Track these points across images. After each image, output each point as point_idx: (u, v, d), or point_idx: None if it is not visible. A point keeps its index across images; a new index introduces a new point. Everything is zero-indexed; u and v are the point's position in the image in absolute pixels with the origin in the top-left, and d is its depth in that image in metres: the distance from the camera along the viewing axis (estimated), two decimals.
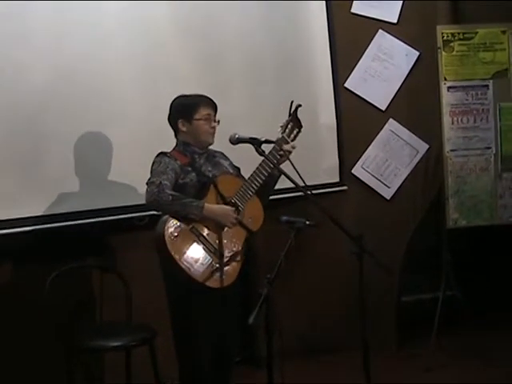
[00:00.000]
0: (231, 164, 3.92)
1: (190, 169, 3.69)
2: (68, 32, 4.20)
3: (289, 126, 3.85)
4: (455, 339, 5.16)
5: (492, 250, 5.60)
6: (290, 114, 3.86)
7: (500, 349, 4.94)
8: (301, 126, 3.89)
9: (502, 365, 4.67)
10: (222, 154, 3.92)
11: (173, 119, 3.81)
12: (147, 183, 3.60)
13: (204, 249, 3.57)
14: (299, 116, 3.89)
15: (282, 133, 3.81)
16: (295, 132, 3.88)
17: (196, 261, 3.53)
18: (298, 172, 3.54)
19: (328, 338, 5.15)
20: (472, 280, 5.54)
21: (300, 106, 3.87)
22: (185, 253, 3.52)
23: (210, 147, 3.85)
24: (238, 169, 3.93)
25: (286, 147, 3.75)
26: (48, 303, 3.88)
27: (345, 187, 5.29)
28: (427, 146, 5.38)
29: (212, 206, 3.60)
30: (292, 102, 3.87)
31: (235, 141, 3.63)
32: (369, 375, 3.26)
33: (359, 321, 3.29)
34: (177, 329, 3.71)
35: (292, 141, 3.85)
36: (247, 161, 3.78)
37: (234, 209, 3.63)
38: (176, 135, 3.83)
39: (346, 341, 4.93)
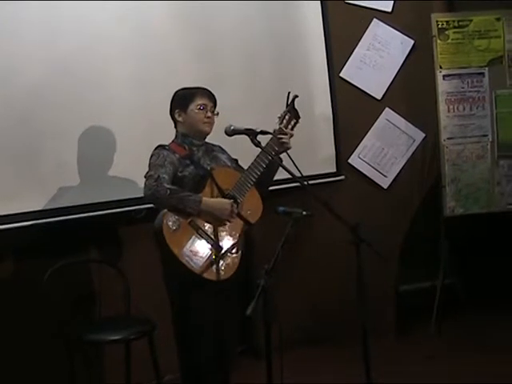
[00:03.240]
0: (229, 157, 3.91)
1: (188, 162, 3.69)
2: (63, 25, 4.17)
3: (286, 117, 3.85)
4: (454, 326, 5.18)
5: (490, 237, 5.60)
6: (287, 105, 3.86)
7: (499, 335, 4.96)
8: (298, 117, 3.89)
9: (502, 351, 4.69)
10: (220, 147, 3.92)
11: (171, 110, 3.82)
12: (145, 177, 3.60)
13: (203, 242, 3.57)
14: (296, 107, 3.88)
15: (280, 124, 3.81)
16: (293, 123, 3.87)
17: (195, 254, 3.53)
18: (294, 162, 3.55)
19: (327, 328, 5.16)
20: (470, 267, 5.56)
21: (297, 96, 3.86)
22: (184, 246, 3.52)
23: (209, 140, 3.85)
24: (236, 160, 3.92)
25: (282, 136, 3.75)
26: (46, 297, 3.88)
27: (342, 177, 5.29)
28: (423, 135, 5.39)
29: (210, 200, 3.59)
30: (289, 93, 3.86)
31: (231, 132, 3.63)
32: (368, 364, 3.26)
33: (358, 310, 3.29)
34: (177, 322, 3.71)
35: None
36: (244, 153, 3.79)
37: (231, 202, 3.62)
38: (176, 127, 3.84)
39: (346, 330, 4.93)
